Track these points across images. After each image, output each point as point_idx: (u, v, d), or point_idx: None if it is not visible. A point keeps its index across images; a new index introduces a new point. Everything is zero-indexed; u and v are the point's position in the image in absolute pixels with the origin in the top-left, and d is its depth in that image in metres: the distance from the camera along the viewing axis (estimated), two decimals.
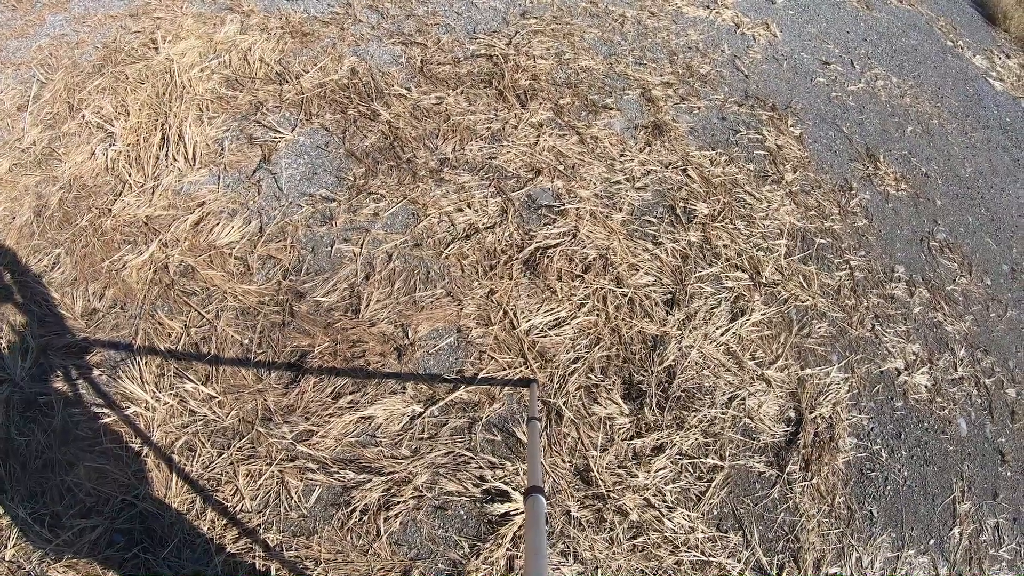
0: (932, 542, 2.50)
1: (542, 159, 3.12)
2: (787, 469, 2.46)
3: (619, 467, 2.29)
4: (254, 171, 2.83)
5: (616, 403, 2.44)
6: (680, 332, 2.68)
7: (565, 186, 3.04)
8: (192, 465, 2.07)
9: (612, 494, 2.22)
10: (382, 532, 2.01)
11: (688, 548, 2.19)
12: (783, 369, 2.72)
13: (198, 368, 2.27)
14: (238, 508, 2.01)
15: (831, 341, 2.91)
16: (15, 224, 2.55)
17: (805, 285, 3.05)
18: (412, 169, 2.94)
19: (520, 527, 2.08)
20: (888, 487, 2.58)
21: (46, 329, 2.28)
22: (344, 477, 2.09)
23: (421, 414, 2.26)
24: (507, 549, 2.05)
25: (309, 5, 3.67)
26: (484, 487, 2.15)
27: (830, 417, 2.65)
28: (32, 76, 3.05)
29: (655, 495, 2.26)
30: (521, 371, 2.43)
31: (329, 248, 2.63)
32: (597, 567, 2.09)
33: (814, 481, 2.47)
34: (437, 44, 3.59)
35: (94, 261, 2.48)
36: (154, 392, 2.17)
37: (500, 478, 2.17)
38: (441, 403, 2.30)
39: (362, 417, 2.22)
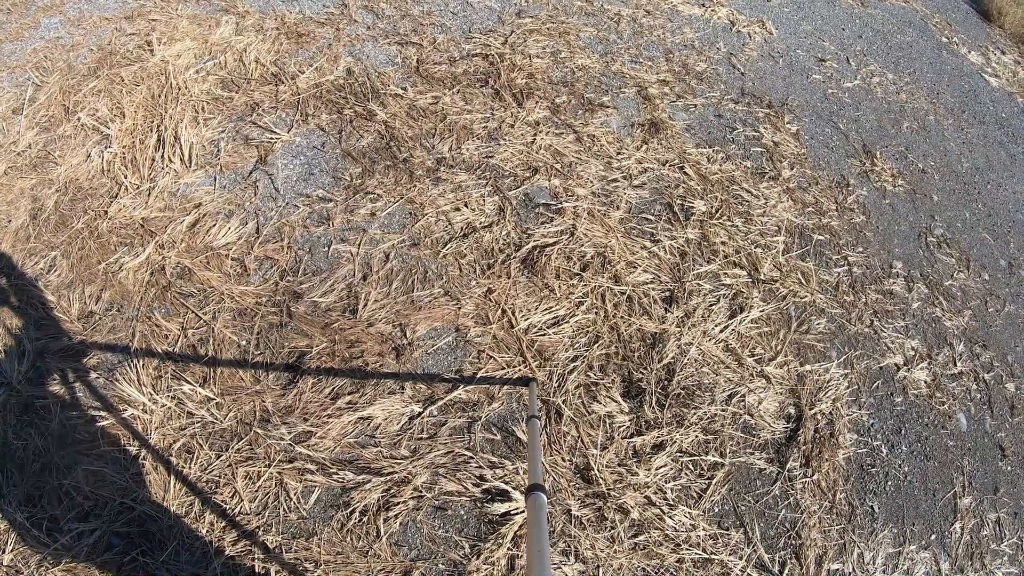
0: (933, 537, 2.49)
1: (539, 158, 3.12)
2: (788, 466, 2.46)
3: (619, 465, 2.29)
4: (250, 172, 2.82)
5: (616, 401, 2.43)
6: (679, 329, 2.67)
7: (562, 184, 3.03)
8: (190, 467, 2.06)
9: (613, 492, 2.21)
10: (382, 533, 2.00)
11: (689, 546, 2.19)
12: (782, 366, 2.71)
13: (196, 370, 2.26)
14: (237, 510, 2.00)
15: (830, 337, 2.91)
16: (11, 227, 2.54)
17: (803, 281, 3.05)
18: (409, 169, 2.93)
19: (521, 526, 2.07)
20: (889, 483, 2.57)
21: (43, 332, 2.27)
22: (343, 478, 2.08)
23: (420, 414, 2.26)
24: (508, 549, 2.04)
25: (304, 6, 3.66)
26: (484, 487, 2.14)
27: (830, 413, 2.65)
28: (27, 79, 3.04)
29: (656, 493, 2.26)
30: (520, 370, 2.43)
31: (326, 248, 2.63)
32: (598, 566, 2.08)
33: (815, 477, 2.46)
34: (433, 44, 3.59)
35: (90, 264, 2.47)
36: (151, 394, 2.16)
37: (500, 477, 2.16)
38: (440, 403, 2.29)
39: (361, 417, 2.21)
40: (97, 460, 2.02)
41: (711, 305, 2.80)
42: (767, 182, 3.45)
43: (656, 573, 2.12)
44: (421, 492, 2.10)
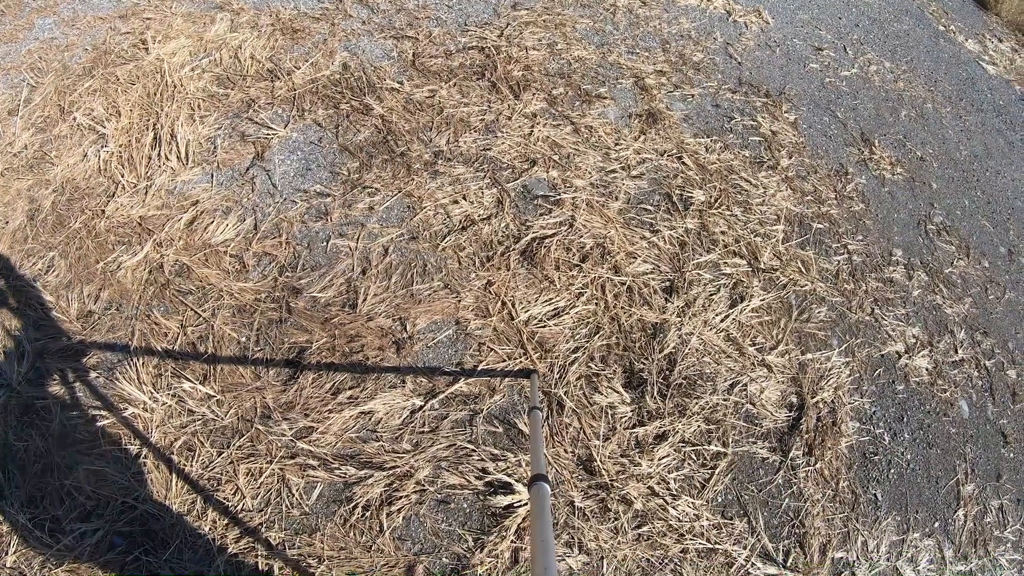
0: (937, 525, 2.49)
1: (537, 149, 3.11)
2: (790, 454, 2.45)
3: (622, 456, 2.29)
4: (247, 168, 2.81)
5: (617, 392, 2.43)
6: (680, 319, 2.67)
7: (560, 176, 3.03)
8: (192, 465, 2.05)
9: (616, 483, 2.21)
10: (385, 527, 2.00)
11: (693, 536, 2.18)
12: (784, 354, 2.71)
13: (196, 367, 2.25)
14: (239, 507, 1.99)
15: (831, 325, 2.90)
16: (8, 229, 2.53)
17: (803, 270, 3.04)
18: (406, 162, 2.92)
19: (524, 519, 2.07)
20: (892, 470, 2.57)
21: (42, 333, 2.27)
22: (345, 473, 2.07)
23: (421, 407, 2.25)
24: (511, 541, 2.04)
25: (299, 2, 3.65)
26: (487, 479, 2.14)
27: (832, 401, 2.65)
28: (22, 80, 3.03)
29: (659, 483, 2.25)
30: (521, 362, 2.42)
31: (325, 243, 2.62)
32: (602, 557, 2.08)
33: (818, 466, 2.46)
34: (428, 37, 3.57)
35: (88, 263, 2.47)
36: (152, 393, 2.16)
37: (503, 470, 2.16)
38: (441, 396, 2.29)
39: (362, 412, 2.21)
40: (98, 460, 2.01)
41: (711, 295, 2.79)
42: (766, 171, 3.44)
43: (660, 564, 2.12)
44: (424, 486, 2.09)
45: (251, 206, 2.69)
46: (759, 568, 2.20)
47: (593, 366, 2.48)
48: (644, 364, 2.51)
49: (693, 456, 2.36)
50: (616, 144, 3.27)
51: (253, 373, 2.27)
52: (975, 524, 2.55)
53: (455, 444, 2.19)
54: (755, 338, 2.72)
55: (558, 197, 2.94)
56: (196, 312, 2.37)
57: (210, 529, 1.95)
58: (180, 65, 3.14)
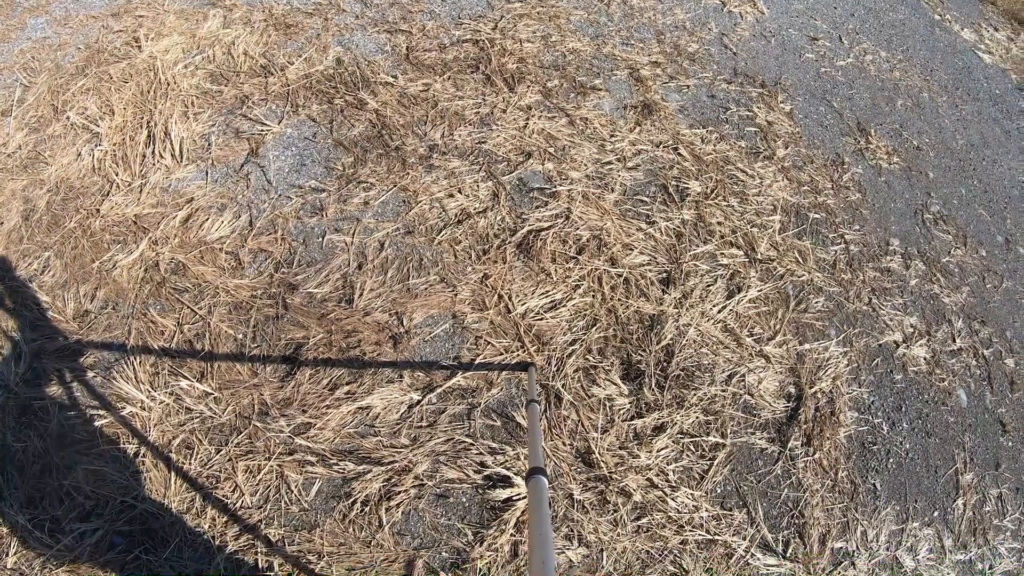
0: (936, 514, 2.50)
1: (532, 142, 3.10)
2: (789, 445, 2.46)
3: (620, 448, 2.29)
4: (242, 165, 2.80)
5: (615, 384, 2.43)
6: (677, 311, 2.66)
7: (556, 168, 3.02)
8: (190, 463, 2.05)
9: (614, 476, 2.21)
10: (384, 523, 2.00)
11: (693, 527, 2.19)
12: (782, 345, 2.71)
13: (193, 365, 2.25)
14: (238, 505, 2.00)
15: (829, 315, 2.90)
16: (3, 229, 2.52)
17: (801, 260, 3.04)
18: (401, 156, 2.91)
19: (523, 512, 2.07)
20: (890, 460, 2.58)
21: (38, 333, 2.26)
22: (344, 469, 2.07)
23: (419, 402, 2.25)
24: (511, 535, 2.04)
25: None
26: (485, 473, 2.14)
27: (830, 391, 2.65)
28: (15, 80, 3.01)
29: (658, 475, 2.26)
30: (518, 355, 2.42)
31: (320, 239, 2.61)
32: (602, 549, 2.08)
33: (816, 456, 2.46)
34: (422, 31, 3.56)
35: (84, 262, 2.46)
36: (149, 391, 2.16)
37: (501, 463, 2.16)
38: (439, 390, 2.29)
39: (360, 407, 2.21)
40: (97, 459, 2.01)
41: (708, 286, 2.79)
42: (762, 162, 3.44)
43: (660, 555, 2.12)
44: (422, 480, 2.10)
45: (246, 203, 2.68)
46: (759, 559, 2.20)
47: (591, 358, 2.47)
48: (642, 356, 2.51)
49: (692, 447, 2.36)
50: (612, 136, 3.27)
51: (250, 370, 2.26)
52: (974, 513, 2.56)
53: (453, 438, 2.19)
54: (753, 329, 2.72)
55: (554, 189, 2.93)
56: (192, 310, 2.37)
57: (209, 527, 1.95)
58: (173, 62, 3.13)
